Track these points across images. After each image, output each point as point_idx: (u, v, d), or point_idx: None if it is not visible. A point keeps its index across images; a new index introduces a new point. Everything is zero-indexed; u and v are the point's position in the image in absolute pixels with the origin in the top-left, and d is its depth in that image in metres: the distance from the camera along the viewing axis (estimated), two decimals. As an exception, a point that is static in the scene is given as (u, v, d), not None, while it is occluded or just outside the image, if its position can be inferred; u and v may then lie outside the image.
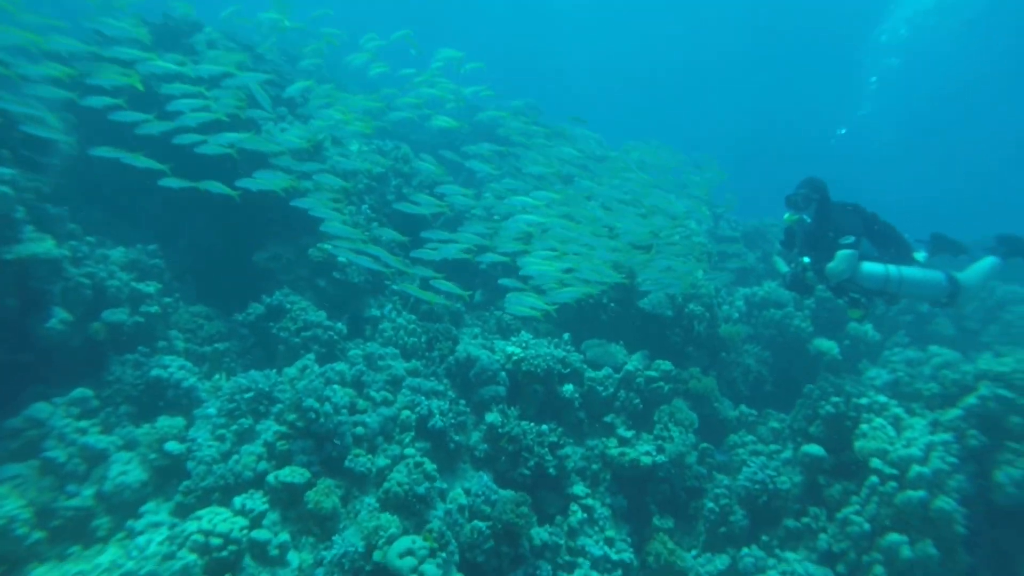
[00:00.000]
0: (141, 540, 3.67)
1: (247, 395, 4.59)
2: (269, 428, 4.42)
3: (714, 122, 42.81)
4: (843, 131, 22.83)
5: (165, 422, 4.46)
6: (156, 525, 3.84)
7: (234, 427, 4.40)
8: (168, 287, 5.70)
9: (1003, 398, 4.31)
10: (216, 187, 4.49)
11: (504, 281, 4.78)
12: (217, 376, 5.17)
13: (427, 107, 5.68)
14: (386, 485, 4.07)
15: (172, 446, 4.30)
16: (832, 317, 7.53)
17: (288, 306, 5.77)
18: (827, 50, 31.67)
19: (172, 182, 4.42)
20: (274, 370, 4.95)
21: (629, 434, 5.45)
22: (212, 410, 4.56)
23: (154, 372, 4.81)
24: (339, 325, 5.96)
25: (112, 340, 4.98)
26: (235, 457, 4.22)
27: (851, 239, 4.85)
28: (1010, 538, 4.29)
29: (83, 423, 4.41)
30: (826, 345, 7.08)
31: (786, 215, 5.30)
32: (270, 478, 4.04)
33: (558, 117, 9.29)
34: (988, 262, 5.20)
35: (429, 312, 6.83)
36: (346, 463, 4.26)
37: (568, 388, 5.65)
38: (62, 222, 5.24)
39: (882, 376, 5.99)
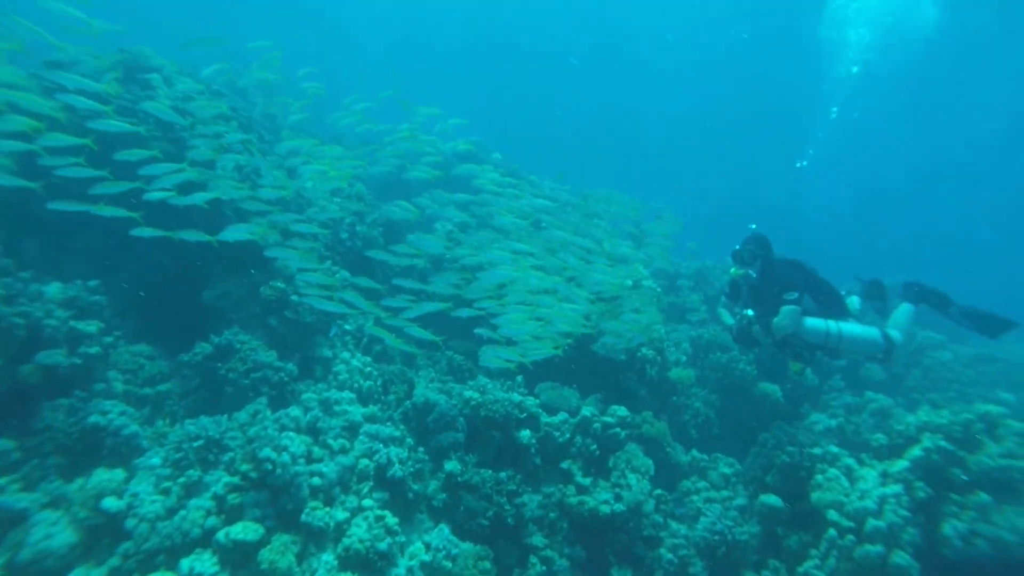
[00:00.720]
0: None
1: (196, 443, 4.45)
2: (219, 479, 4.29)
3: (680, 169, 45.57)
4: (802, 164, 24.36)
5: (103, 475, 4.25)
6: (89, 597, 3.63)
7: (181, 479, 4.26)
8: (109, 325, 5.47)
9: (944, 450, 4.71)
10: (193, 236, 4.43)
11: (480, 331, 4.90)
12: (160, 422, 4.99)
13: (406, 160, 5.87)
14: (347, 541, 4.03)
15: (110, 502, 4.08)
16: (775, 361, 8.02)
17: (238, 346, 5.65)
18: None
19: (144, 231, 4.32)
20: (224, 415, 4.83)
21: (587, 481, 5.59)
22: (156, 460, 4.39)
23: (92, 419, 4.58)
24: (290, 366, 5.87)
25: (45, 384, 4.73)
26: (182, 513, 4.07)
27: (795, 295, 5.26)
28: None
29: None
30: (770, 389, 7.53)
31: (732, 269, 5.71)
32: (220, 535, 3.92)
33: (535, 165, 9.71)
34: (906, 310, 5.72)
35: (382, 353, 6.84)
36: (303, 517, 4.19)
37: (525, 434, 5.76)
38: (-9, 257, 4.99)
39: (824, 420, 6.43)
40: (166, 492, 4.20)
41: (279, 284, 6.06)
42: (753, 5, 31.29)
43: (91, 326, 5.17)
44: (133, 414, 4.82)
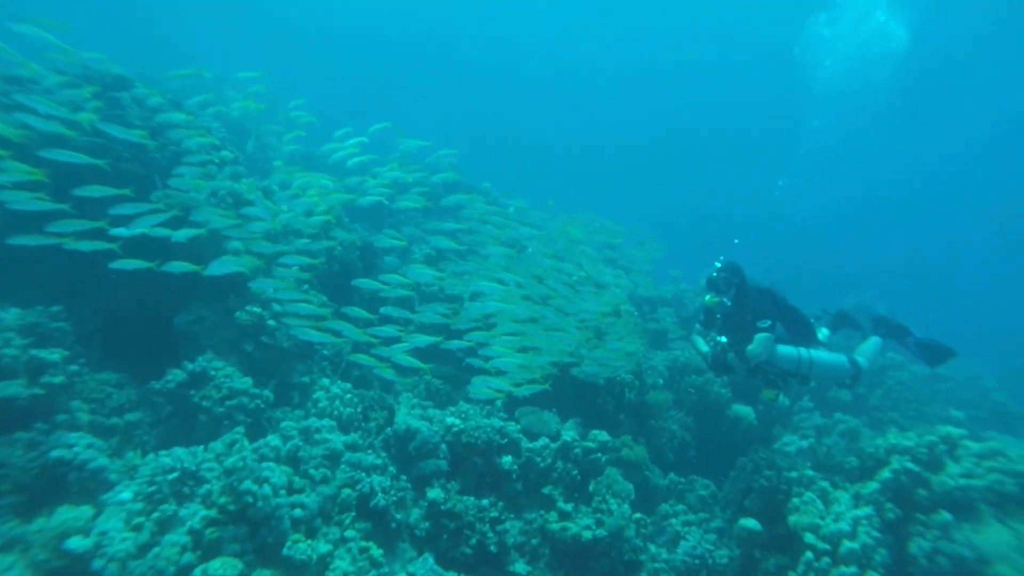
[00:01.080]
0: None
1: (170, 476, 4.31)
2: (196, 513, 4.14)
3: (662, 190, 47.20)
4: (782, 182, 25.39)
5: (67, 513, 4.05)
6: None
7: (155, 514, 4.10)
8: (73, 352, 5.27)
9: (911, 471, 4.94)
10: (179, 267, 4.35)
11: (471, 361, 4.94)
12: (131, 453, 4.81)
13: (395, 189, 5.95)
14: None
15: (75, 542, 3.87)
16: (748, 384, 8.27)
17: (212, 372, 5.52)
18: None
19: (126, 263, 4.22)
20: (201, 447, 4.69)
21: (569, 507, 5.62)
22: (127, 495, 4.22)
23: (54, 453, 4.38)
24: (266, 392, 5.77)
25: (2, 418, 4.51)
26: (155, 550, 3.91)
27: (768, 323, 5.48)
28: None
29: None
30: (744, 411, 7.75)
31: (707, 296, 5.89)
32: (197, 572, 3.79)
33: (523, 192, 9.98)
34: (874, 343, 6.07)
35: (361, 379, 6.77)
36: (284, 551, 4.09)
37: (507, 460, 5.77)
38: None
39: (796, 442, 6.65)
40: (138, 528, 4.03)
41: (255, 309, 5.97)
42: (733, 27, 32.78)
43: (54, 354, 4.98)
44: (101, 446, 4.64)
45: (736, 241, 6.06)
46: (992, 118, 31.19)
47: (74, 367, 5.14)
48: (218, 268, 4.51)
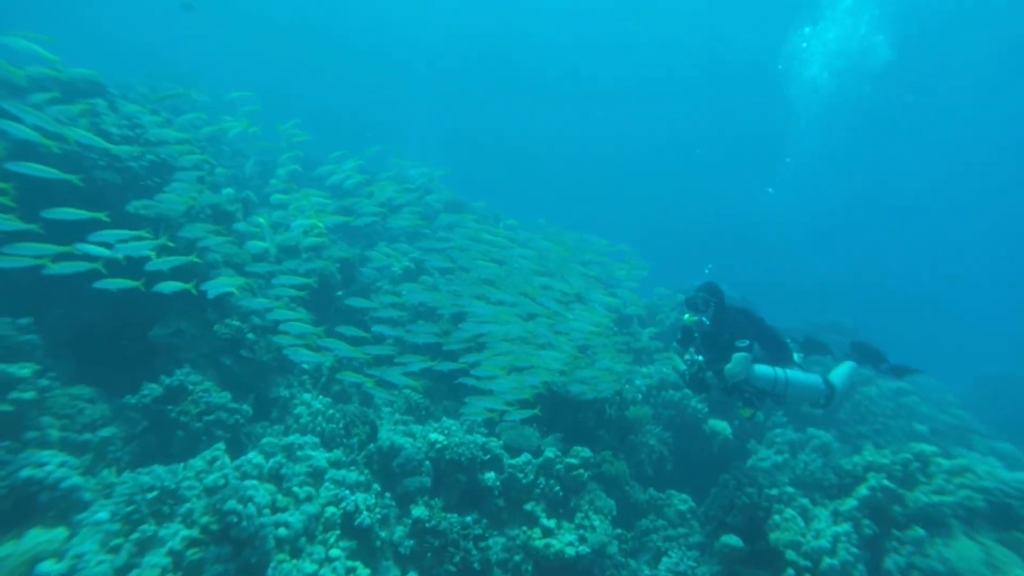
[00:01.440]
0: None
1: (150, 495, 4.24)
2: (176, 533, 4.09)
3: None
4: (771, 190, 26.10)
5: (39, 536, 3.94)
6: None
7: (134, 535, 4.03)
8: (43, 365, 5.14)
9: (887, 488, 5.17)
10: (169, 287, 4.29)
11: (464, 380, 5.00)
12: (105, 471, 4.71)
13: (388, 209, 6.03)
14: (318, 596, 3.95)
15: (48, 567, 3.77)
16: (724, 402, 8.49)
17: (190, 387, 5.44)
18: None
19: (109, 283, 4.16)
20: (181, 464, 4.62)
21: (552, 523, 5.69)
22: (103, 515, 4.13)
23: (24, 472, 4.26)
24: (245, 407, 5.71)
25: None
26: (134, 573, 3.85)
27: (746, 342, 5.64)
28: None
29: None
30: (720, 425, 7.94)
31: (686, 316, 6.03)
32: (178, 595, 3.75)
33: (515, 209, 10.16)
34: (848, 366, 6.32)
35: (341, 393, 6.75)
36: (269, 571, 4.06)
37: (490, 476, 5.82)
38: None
39: (771, 457, 6.86)
40: (115, 550, 3.95)
41: (235, 322, 5.91)
42: (718, 39, 33.61)
43: (24, 369, 4.86)
44: (74, 464, 4.54)
45: (707, 269, 6.27)
46: (971, 137, 32.54)
47: (44, 381, 5.01)
48: (214, 289, 4.48)
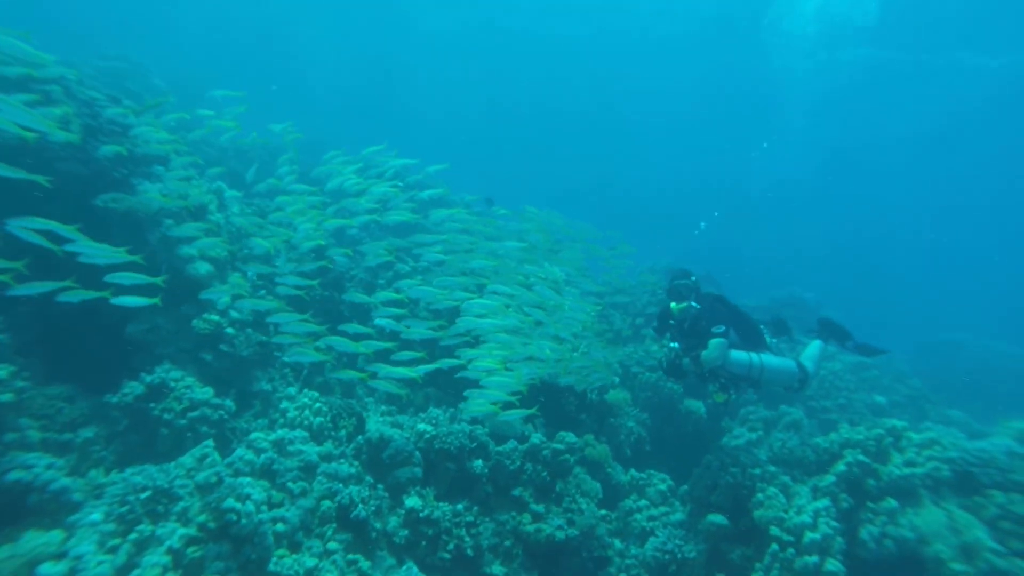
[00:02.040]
0: None
1: (143, 495, 4.30)
2: (174, 532, 4.17)
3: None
4: (765, 144, 26.60)
5: (36, 539, 3.98)
6: None
7: (132, 535, 4.10)
8: (17, 368, 5.07)
9: (862, 463, 5.60)
10: (135, 302, 4.27)
11: (463, 375, 5.16)
12: (93, 471, 4.73)
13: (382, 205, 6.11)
14: (322, 588, 4.11)
15: (48, 569, 3.85)
16: (699, 387, 8.90)
17: (172, 384, 5.46)
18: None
19: (75, 295, 4.16)
20: (172, 463, 4.68)
21: (540, 508, 5.96)
22: (97, 516, 4.18)
23: (11, 476, 4.27)
24: (227, 402, 5.76)
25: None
26: (135, 572, 3.93)
27: (722, 328, 5.90)
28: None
29: None
30: (695, 405, 8.35)
31: (673, 304, 6.24)
32: (182, 593, 3.86)
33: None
34: (816, 346, 6.69)
35: (323, 385, 6.84)
36: (271, 566, 4.20)
37: (478, 463, 6.04)
38: None
39: (745, 434, 7.29)
40: (113, 551, 4.02)
41: (213, 317, 5.91)
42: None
43: (1, 371, 4.80)
44: (60, 465, 4.55)
45: (702, 225, 6.56)
46: (955, 103, 33.26)
47: (20, 383, 4.96)
48: (212, 296, 4.51)
